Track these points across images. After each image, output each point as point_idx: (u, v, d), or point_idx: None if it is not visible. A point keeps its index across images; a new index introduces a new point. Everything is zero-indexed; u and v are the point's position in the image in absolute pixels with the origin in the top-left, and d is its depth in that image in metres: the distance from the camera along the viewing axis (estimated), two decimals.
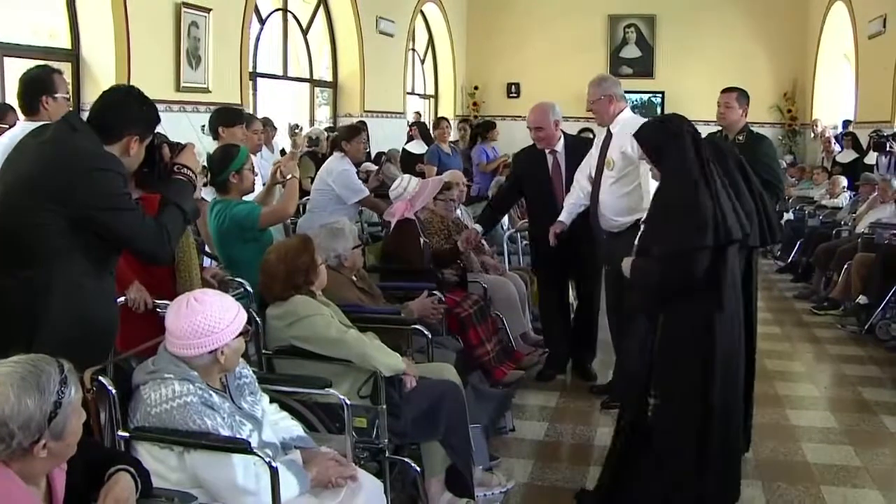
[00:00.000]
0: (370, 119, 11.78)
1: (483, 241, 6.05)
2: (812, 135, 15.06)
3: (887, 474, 4.64)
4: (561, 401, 5.68)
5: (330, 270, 4.24)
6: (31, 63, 5.30)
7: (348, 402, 3.45)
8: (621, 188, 5.30)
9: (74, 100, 6.75)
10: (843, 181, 11.10)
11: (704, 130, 4.22)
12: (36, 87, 4.35)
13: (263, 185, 5.43)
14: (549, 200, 5.78)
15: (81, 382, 2.30)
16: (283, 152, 9.16)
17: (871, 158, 11.19)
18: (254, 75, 10.12)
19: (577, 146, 5.88)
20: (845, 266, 8.11)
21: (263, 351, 3.93)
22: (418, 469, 3.82)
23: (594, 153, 5.54)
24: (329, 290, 4.13)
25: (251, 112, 8.73)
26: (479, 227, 5.99)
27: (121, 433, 2.79)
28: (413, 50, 15.60)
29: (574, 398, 5.72)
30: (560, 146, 5.84)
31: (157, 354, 2.88)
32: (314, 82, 12.46)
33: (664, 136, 3.79)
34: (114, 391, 2.79)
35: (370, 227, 7.71)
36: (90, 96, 6.69)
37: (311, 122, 12.09)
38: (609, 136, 5.41)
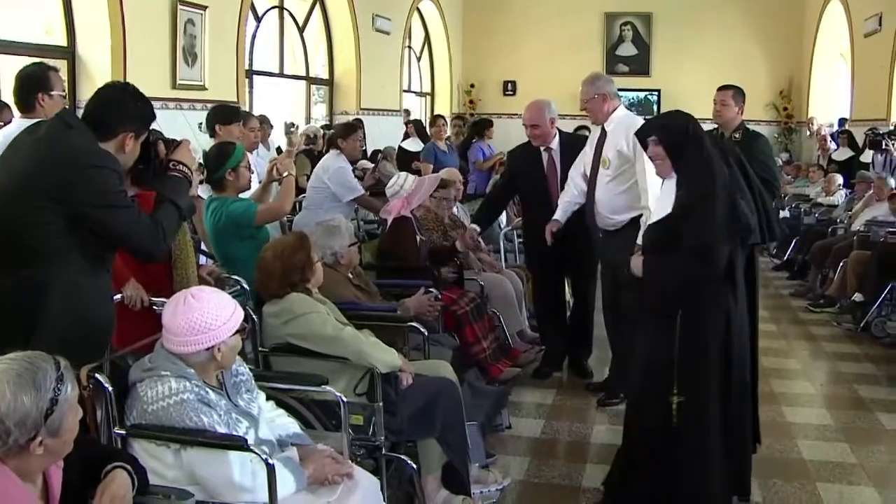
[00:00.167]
0: (366, 117, 11.77)
1: (480, 240, 6.04)
2: (808, 133, 15.09)
3: (883, 471, 4.66)
4: (557, 398, 5.69)
5: (326, 268, 4.24)
6: (27, 60, 5.29)
7: (345, 399, 3.45)
8: (617, 186, 5.30)
9: (70, 97, 6.74)
10: (839, 179, 11.12)
11: None
12: (32, 85, 4.35)
13: (259, 182, 5.42)
14: (544, 198, 5.77)
15: (78, 380, 2.30)
16: (279, 150, 9.16)
17: (866, 156, 11.21)
18: (250, 73, 10.12)
19: (573, 144, 5.88)
20: (841, 264, 8.12)
21: (260, 348, 3.92)
22: (415, 466, 3.81)
23: (588, 151, 5.54)
24: (325, 287, 4.14)
25: (247, 110, 8.72)
26: (476, 227, 5.99)
27: (117, 430, 2.78)
28: (409, 47, 15.60)
29: (570, 396, 5.72)
30: (555, 144, 5.84)
31: (153, 352, 2.88)
32: (310, 80, 12.46)
33: (685, 135, 3.77)
34: (110, 388, 2.79)
35: (366, 224, 7.71)
36: (86, 94, 6.68)
37: (308, 120, 12.09)
38: (604, 134, 5.41)
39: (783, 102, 16.37)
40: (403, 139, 11.91)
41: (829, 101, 15.53)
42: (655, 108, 16.42)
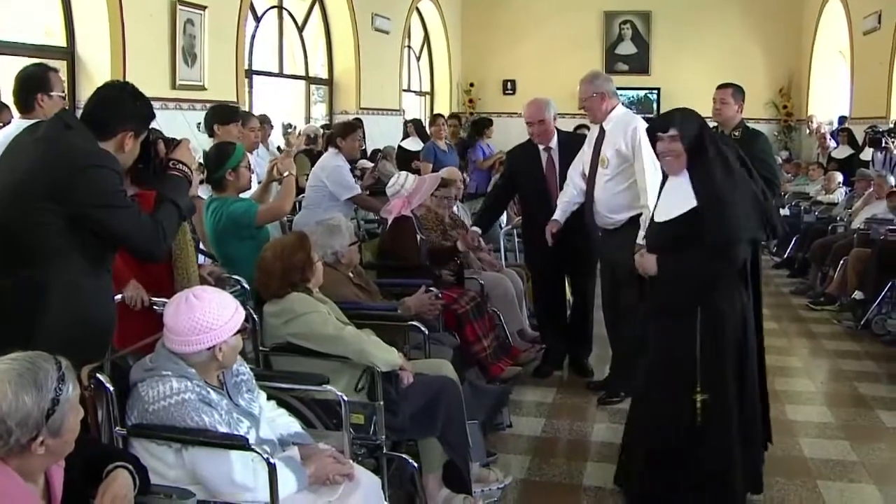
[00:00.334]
0: (366, 116, 11.77)
1: (480, 240, 6.05)
2: (807, 131, 15.08)
3: (883, 469, 4.66)
4: (558, 397, 5.69)
5: (327, 267, 4.25)
6: (27, 61, 5.29)
7: (346, 398, 3.46)
8: (616, 185, 5.30)
9: (70, 98, 6.74)
10: (839, 177, 11.10)
11: None
12: (31, 85, 4.35)
13: (259, 182, 5.43)
14: (543, 197, 5.77)
15: (79, 380, 2.30)
16: (279, 150, 9.15)
17: (866, 154, 11.20)
18: (249, 73, 10.12)
19: (572, 143, 5.87)
20: (841, 262, 8.13)
21: (260, 348, 3.93)
22: (416, 465, 3.81)
23: (587, 150, 5.53)
24: (326, 286, 4.14)
25: (247, 110, 8.72)
26: (477, 230, 5.99)
27: (118, 430, 2.79)
28: (409, 47, 15.60)
29: (571, 394, 5.72)
30: (554, 143, 5.84)
31: (154, 352, 2.88)
32: (310, 79, 12.45)
33: (706, 132, 3.77)
34: (111, 388, 2.79)
35: (367, 223, 7.71)
36: (86, 94, 6.66)
37: (307, 120, 12.09)
38: (602, 133, 5.40)
39: (783, 100, 16.36)
40: (403, 138, 11.90)
41: (829, 99, 15.52)
42: (655, 106, 16.44)
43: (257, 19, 10.61)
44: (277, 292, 3.85)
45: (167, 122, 6.62)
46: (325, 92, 12.84)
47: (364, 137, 10.26)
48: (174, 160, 3.24)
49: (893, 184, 8.91)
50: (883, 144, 10.52)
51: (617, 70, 16.22)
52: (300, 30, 12.08)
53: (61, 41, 7.18)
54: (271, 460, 2.73)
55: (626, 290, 5.26)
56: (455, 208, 6.82)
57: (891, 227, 7.81)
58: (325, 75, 12.80)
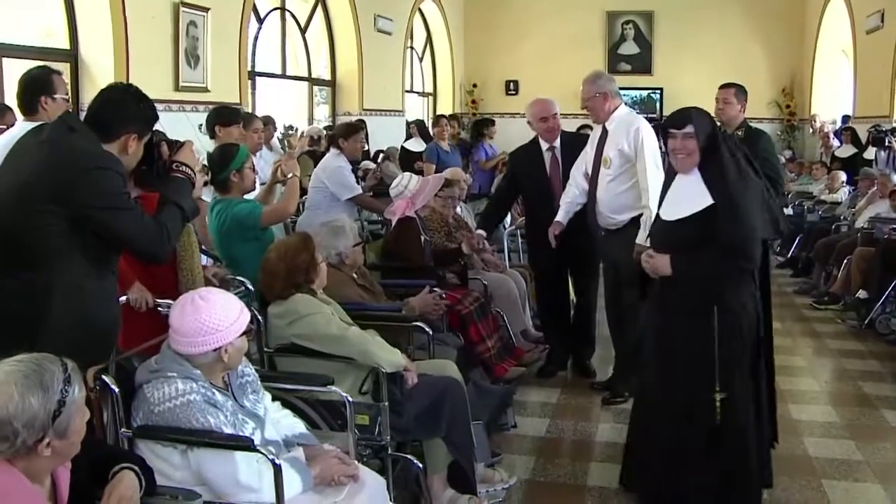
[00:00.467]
0: (369, 117, 11.78)
1: (485, 242, 6.05)
2: (811, 130, 15.06)
3: (889, 468, 4.65)
4: (562, 397, 5.69)
5: (331, 268, 4.25)
6: (31, 63, 5.30)
7: (350, 399, 3.46)
8: (619, 186, 5.29)
9: (73, 100, 6.75)
10: (843, 176, 11.10)
11: None
12: (35, 88, 4.35)
13: (262, 184, 5.43)
14: (547, 197, 5.76)
15: (84, 381, 2.30)
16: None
17: (869, 153, 11.19)
18: (252, 74, 10.12)
19: (575, 143, 5.87)
20: (845, 261, 8.13)
21: (265, 349, 3.93)
22: (421, 466, 3.82)
23: (589, 150, 5.53)
24: (330, 287, 4.14)
25: (250, 111, 8.73)
26: (482, 233, 5.99)
27: (124, 431, 2.79)
28: (411, 48, 15.59)
29: (575, 394, 5.73)
30: (557, 142, 5.85)
31: (160, 353, 2.89)
32: (313, 81, 12.45)
33: (718, 131, 3.77)
34: (116, 390, 2.80)
35: (371, 224, 7.72)
36: (89, 96, 6.66)
37: (310, 121, 12.09)
38: (605, 133, 5.40)
39: (786, 100, 16.34)
40: (406, 139, 11.91)
41: (832, 98, 15.50)
42: (658, 106, 16.43)
43: (260, 21, 10.62)
44: (281, 293, 3.85)
45: (170, 124, 6.59)
46: (327, 93, 12.85)
47: (367, 138, 10.29)
48: (177, 162, 3.24)
49: None
50: (886, 143, 10.50)
51: (619, 70, 16.21)
52: (303, 31, 12.08)
53: (64, 43, 7.19)
54: (276, 461, 2.73)
55: (628, 290, 5.26)
56: (458, 209, 6.82)
57: (894, 226, 7.80)
58: (327, 76, 12.80)
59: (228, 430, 2.77)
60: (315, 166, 7.44)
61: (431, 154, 9.54)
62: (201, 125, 6.28)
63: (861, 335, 7.43)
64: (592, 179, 5.44)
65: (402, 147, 11.48)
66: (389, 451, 3.70)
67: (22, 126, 4.14)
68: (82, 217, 2.87)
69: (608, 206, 5.35)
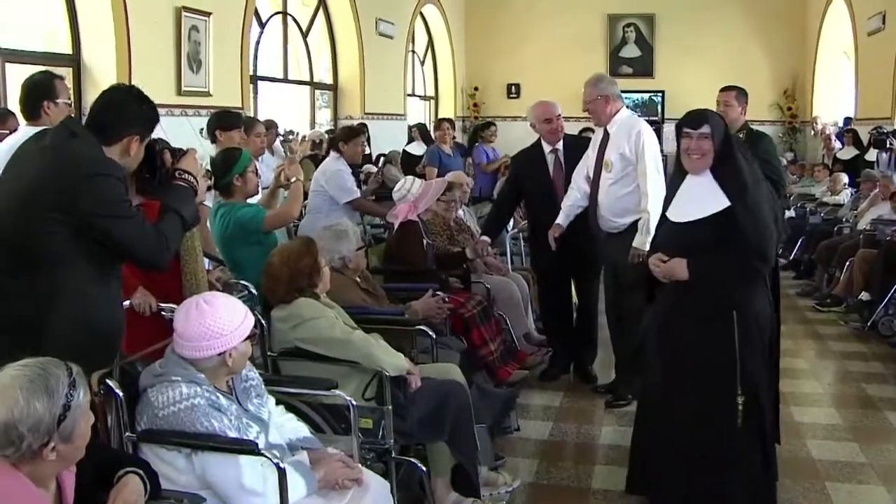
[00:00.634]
0: (370, 121, 11.79)
1: (488, 247, 6.06)
2: (812, 132, 15.06)
3: (892, 470, 4.65)
4: (565, 400, 5.69)
5: (334, 272, 4.25)
6: (33, 68, 5.31)
7: (354, 402, 3.46)
8: (620, 189, 5.29)
9: (76, 105, 6.76)
10: (845, 178, 11.08)
11: None
12: (37, 93, 4.36)
13: (264, 189, 5.43)
14: (550, 200, 5.74)
15: (89, 386, 2.31)
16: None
17: (871, 155, 11.19)
18: (254, 78, 10.13)
19: (578, 145, 5.87)
20: (847, 263, 8.13)
21: (269, 353, 3.93)
22: (424, 469, 3.81)
23: (591, 154, 5.53)
24: (333, 291, 4.14)
25: (252, 115, 8.73)
26: (487, 239, 5.99)
27: (128, 435, 2.80)
28: (413, 52, 15.61)
29: (578, 398, 5.72)
30: (560, 145, 5.85)
31: (164, 357, 2.89)
32: (314, 85, 12.47)
33: (728, 132, 3.76)
34: (121, 394, 2.80)
35: (373, 228, 7.72)
36: (92, 101, 6.68)
37: (312, 125, 12.10)
38: (606, 136, 5.40)
39: (787, 102, 16.35)
40: (408, 143, 11.91)
41: (834, 100, 15.49)
42: (659, 109, 16.44)
43: (262, 25, 10.63)
44: (285, 297, 3.86)
45: (173, 129, 6.64)
46: (329, 97, 12.87)
47: (369, 142, 10.30)
48: (180, 170, 3.24)
49: None
50: (888, 145, 10.50)
51: (621, 73, 16.21)
52: (304, 35, 12.10)
53: (66, 48, 7.20)
54: (281, 465, 2.73)
55: (629, 293, 5.27)
56: (461, 212, 6.83)
57: None
58: (329, 80, 12.82)
59: (233, 434, 2.78)
60: (315, 170, 7.45)
61: (433, 157, 9.54)
62: (202, 129, 6.29)
63: (864, 337, 7.42)
64: (594, 183, 5.44)
65: (404, 151, 11.49)
66: (393, 455, 3.71)
67: (25, 131, 4.15)
68: (84, 224, 2.87)
69: (609, 209, 5.35)
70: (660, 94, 16.65)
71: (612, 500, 4.25)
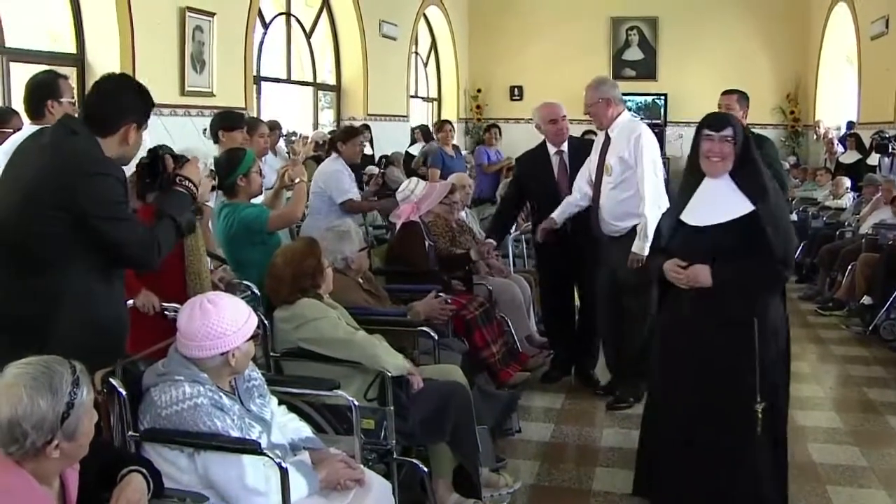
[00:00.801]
0: (373, 122, 11.79)
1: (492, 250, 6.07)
2: (815, 136, 15.06)
3: (893, 474, 4.65)
4: (566, 402, 5.69)
5: (336, 273, 4.26)
6: (37, 68, 5.31)
7: (356, 403, 3.47)
8: (620, 193, 5.30)
9: (80, 104, 6.75)
10: (847, 182, 11.07)
11: None
12: (41, 92, 4.37)
13: (267, 189, 5.44)
14: (554, 201, 5.72)
15: (92, 384, 2.31)
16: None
17: (873, 159, 11.18)
18: (258, 79, 10.14)
19: (582, 147, 5.87)
20: (849, 267, 8.12)
21: (271, 353, 3.94)
22: (426, 470, 3.81)
23: (593, 157, 5.53)
24: (336, 292, 4.15)
25: (255, 116, 8.74)
26: (492, 242, 5.99)
27: (131, 434, 2.80)
28: (416, 53, 15.61)
29: (579, 400, 5.73)
30: (565, 146, 5.85)
31: (167, 357, 2.89)
32: (318, 86, 12.48)
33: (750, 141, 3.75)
34: (124, 393, 2.81)
35: (375, 229, 7.73)
36: None
37: (315, 126, 12.11)
38: (608, 140, 5.40)
39: (790, 106, 16.34)
40: (410, 144, 11.92)
41: (836, 104, 15.47)
42: (662, 112, 16.45)
43: (265, 26, 10.64)
44: (288, 298, 3.87)
45: (176, 129, 6.65)
46: (332, 98, 12.87)
47: (372, 143, 10.30)
48: (181, 176, 3.25)
49: None
50: (890, 149, 10.50)
51: (624, 76, 16.22)
52: (308, 36, 12.10)
53: (70, 48, 7.21)
54: (283, 465, 2.74)
55: (630, 297, 5.27)
56: (463, 214, 6.83)
57: None
58: (332, 81, 12.83)
59: (235, 434, 2.78)
60: None
61: (436, 159, 9.55)
62: (206, 130, 6.30)
63: (865, 341, 7.42)
64: (595, 186, 5.44)
65: (407, 152, 11.49)
66: (395, 456, 3.71)
67: (28, 130, 4.15)
68: (84, 223, 2.87)
69: (610, 213, 5.35)
70: (662, 97, 16.65)
71: (613, 502, 4.25)
